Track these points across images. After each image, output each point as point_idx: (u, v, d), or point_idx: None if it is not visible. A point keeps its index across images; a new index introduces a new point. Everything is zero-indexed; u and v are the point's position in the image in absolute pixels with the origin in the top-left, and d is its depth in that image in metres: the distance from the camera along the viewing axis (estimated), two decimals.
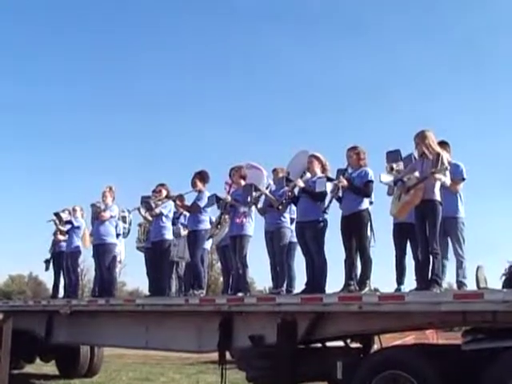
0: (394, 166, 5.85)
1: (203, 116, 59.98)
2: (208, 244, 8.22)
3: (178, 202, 8.06)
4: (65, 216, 9.83)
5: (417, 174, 5.53)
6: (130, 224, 9.38)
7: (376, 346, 6.28)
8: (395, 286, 6.00)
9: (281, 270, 6.79)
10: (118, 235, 9.10)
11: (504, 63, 55.77)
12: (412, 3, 58.16)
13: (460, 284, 5.61)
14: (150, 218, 8.39)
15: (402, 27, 58.13)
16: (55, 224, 9.87)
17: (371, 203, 6.24)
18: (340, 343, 6.28)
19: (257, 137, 58.80)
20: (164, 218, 8.16)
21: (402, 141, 6.10)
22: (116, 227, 9.04)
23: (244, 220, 7.11)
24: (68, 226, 9.61)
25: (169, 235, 8.21)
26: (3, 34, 57.24)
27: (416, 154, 5.81)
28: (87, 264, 15.87)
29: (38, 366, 12.02)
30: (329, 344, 6.21)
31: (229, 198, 7.31)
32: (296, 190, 6.71)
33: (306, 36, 58.92)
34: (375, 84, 58.28)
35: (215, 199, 7.45)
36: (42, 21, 58.01)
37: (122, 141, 60.36)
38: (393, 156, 5.91)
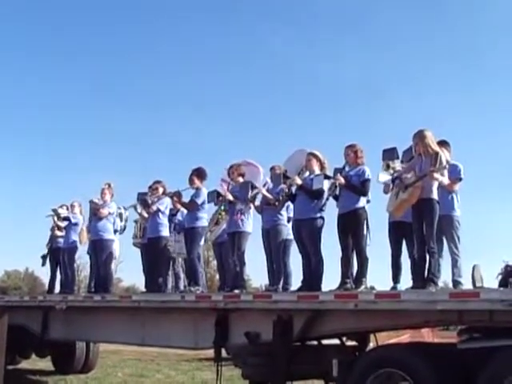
0: (391, 163, 5.87)
1: (202, 114, 59.86)
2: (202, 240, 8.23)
3: (175, 199, 8.05)
4: (63, 212, 9.84)
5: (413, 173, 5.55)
6: (126, 221, 9.38)
7: (372, 344, 6.27)
8: (391, 284, 6.02)
9: (277, 268, 6.80)
10: (115, 231, 9.11)
11: (504, 62, 55.80)
12: (412, 2, 58.15)
13: (456, 283, 5.61)
14: (145, 216, 8.39)
15: (403, 26, 58.08)
16: (53, 220, 9.87)
17: (368, 202, 6.25)
18: (336, 341, 6.27)
19: (256, 135, 58.66)
20: (160, 215, 8.16)
21: (402, 139, 6.09)
22: (114, 224, 9.04)
23: (242, 217, 7.12)
24: (66, 222, 9.61)
25: (165, 232, 8.19)
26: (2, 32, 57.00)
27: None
28: (84, 260, 15.82)
29: (34, 362, 12.04)
30: (324, 342, 6.21)
31: (229, 195, 7.32)
32: (293, 188, 6.72)
33: (306, 34, 58.75)
34: (376, 83, 58.24)
35: (216, 195, 7.45)
36: (40, 18, 57.80)
37: (120, 137, 60.26)
38: (389, 154, 5.95)
